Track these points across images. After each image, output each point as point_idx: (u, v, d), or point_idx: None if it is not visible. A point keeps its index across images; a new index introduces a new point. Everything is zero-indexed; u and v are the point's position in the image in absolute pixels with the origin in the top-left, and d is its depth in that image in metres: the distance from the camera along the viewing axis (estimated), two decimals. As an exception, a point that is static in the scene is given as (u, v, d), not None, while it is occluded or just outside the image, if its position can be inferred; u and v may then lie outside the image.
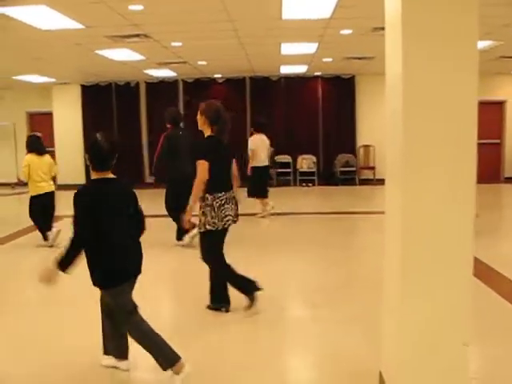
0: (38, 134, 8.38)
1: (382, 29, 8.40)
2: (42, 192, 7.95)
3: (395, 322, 3.12)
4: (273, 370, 4.00)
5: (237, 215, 5.06)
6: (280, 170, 15.60)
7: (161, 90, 15.74)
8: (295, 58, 11.88)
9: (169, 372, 3.58)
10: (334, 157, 15.62)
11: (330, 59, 12.47)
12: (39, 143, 8.09)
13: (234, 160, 5.26)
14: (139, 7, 6.97)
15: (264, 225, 9.91)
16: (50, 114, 16.53)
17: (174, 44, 9.82)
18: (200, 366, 4.00)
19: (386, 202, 3.36)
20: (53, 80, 15.22)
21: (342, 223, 9.80)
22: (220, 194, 4.86)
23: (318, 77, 15.63)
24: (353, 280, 6.23)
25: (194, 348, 4.32)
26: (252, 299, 5.00)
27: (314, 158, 15.59)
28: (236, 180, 5.27)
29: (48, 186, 8.07)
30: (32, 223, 8.26)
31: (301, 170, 15.49)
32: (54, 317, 5.14)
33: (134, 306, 3.67)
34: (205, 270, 5.12)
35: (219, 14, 7.46)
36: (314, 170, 15.47)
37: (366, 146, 15.65)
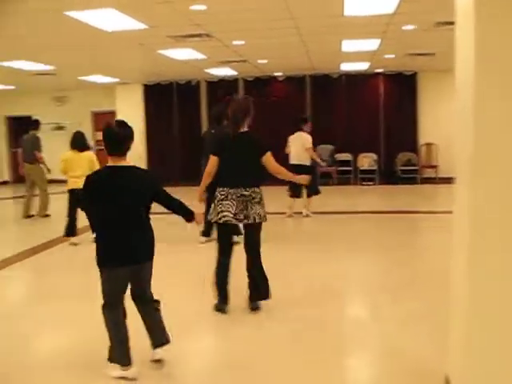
0: (82, 131, 8.48)
1: (446, 23, 8.28)
2: (75, 187, 7.71)
3: (463, 325, 3.03)
4: (332, 368, 3.97)
5: (246, 215, 4.83)
6: (340, 169, 15.47)
7: (221, 88, 15.86)
8: (356, 54, 11.76)
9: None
10: (395, 155, 15.37)
11: (393, 56, 12.28)
12: (79, 140, 8.14)
13: (264, 155, 4.87)
14: (202, 7, 7.04)
15: (317, 223, 9.83)
16: (113, 113, 16.93)
17: (235, 43, 9.88)
18: (261, 363, 4.02)
19: (454, 201, 3.28)
20: (116, 80, 15.60)
21: (404, 223, 9.63)
22: (221, 189, 4.87)
23: (379, 74, 15.41)
24: (415, 279, 6.11)
25: (253, 345, 4.34)
26: (217, 308, 5.05)
27: (375, 156, 15.39)
28: (281, 175, 5.05)
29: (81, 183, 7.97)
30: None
31: (361, 168, 15.31)
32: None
33: (117, 301, 3.73)
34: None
35: (281, 12, 7.47)
36: (374, 168, 15.27)
37: (429, 144, 15.34)
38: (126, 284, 3.80)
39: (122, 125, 3.82)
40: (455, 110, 3.17)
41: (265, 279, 5.09)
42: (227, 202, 4.83)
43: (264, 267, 5.09)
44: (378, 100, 15.61)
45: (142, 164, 16.52)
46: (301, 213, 10.14)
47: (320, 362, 4.04)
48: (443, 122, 14.25)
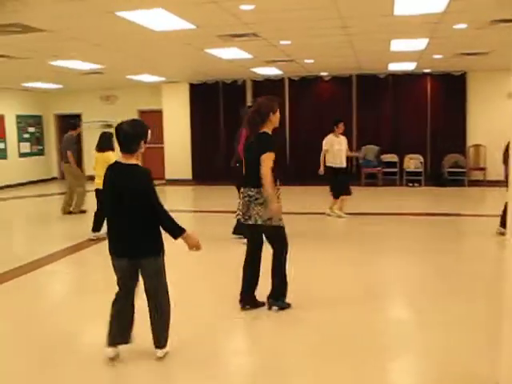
0: (108, 131, 8.62)
1: (503, 21, 8.05)
2: (98, 187, 8.05)
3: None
4: (375, 372, 3.92)
5: (249, 216, 4.88)
6: (386, 170, 15.28)
7: (267, 87, 15.84)
8: (404, 54, 11.58)
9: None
10: (442, 157, 15.09)
11: (441, 56, 12.05)
12: (100, 141, 8.40)
13: (263, 155, 4.76)
14: (250, 7, 7.04)
15: (360, 224, 9.72)
16: (159, 112, 17.14)
17: (282, 42, 9.85)
18: (305, 363, 4.00)
19: (509, 205, 3.18)
20: (162, 79, 15.78)
21: (450, 226, 9.46)
22: (241, 190, 5.06)
23: (427, 74, 15.15)
24: (460, 285, 5.99)
25: (303, 345, 4.32)
26: (242, 300, 5.14)
27: (421, 158, 15.13)
28: (264, 181, 4.83)
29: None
30: None
31: (407, 169, 15.08)
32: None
33: (126, 291, 4.01)
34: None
35: (330, 12, 7.41)
36: (420, 170, 15.02)
37: (477, 146, 15.01)
38: (130, 275, 3.97)
39: (133, 124, 3.95)
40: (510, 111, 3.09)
41: (281, 282, 5.09)
42: (240, 202, 5.01)
43: (284, 271, 5.09)
44: (425, 101, 15.35)
45: (188, 163, 16.76)
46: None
47: (363, 364, 4.00)
48: (492, 123, 13.92)
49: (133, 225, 3.86)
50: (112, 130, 5.08)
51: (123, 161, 3.91)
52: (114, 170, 3.98)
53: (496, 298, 3.11)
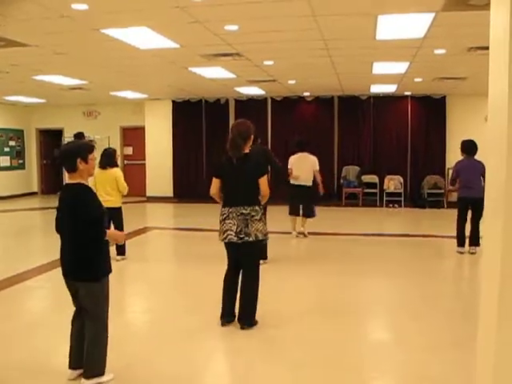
0: (111, 148, 8.42)
1: (480, 48, 8.24)
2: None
3: (491, 360, 2.98)
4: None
5: (247, 233, 4.95)
6: (366, 191, 15.40)
7: (249, 107, 15.97)
8: (386, 77, 11.76)
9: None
10: (421, 178, 15.28)
11: (421, 79, 12.26)
12: (103, 158, 7.98)
13: (260, 179, 5.04)
14: (234, 27, 7.14)
15: (337, 244, 9.79)
16: (142, 129, 17.15)
17: (265, 63, 9.96)
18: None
19: (484, 234, 3.23)
20: (145, 96, 15.81)
21: (428, 247, 9.54)
22: (223, 209, 5.09)
23: (407, 96, 15.39)
24: (440, 306, 6.05)
25: (267, 367, 4.33)
26: (223, 323, 5.16)
27: (401, 179, 15.30)
28: (265, 198, 5.14)
29: (107, 202, 7.15)
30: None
31: (387, 190, 15.23)
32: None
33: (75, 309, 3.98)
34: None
35: (313, 34, 7.53)
36: (400, 190, 15.17)
37: (456, 168, 15.20)
38: (73, 294, 3.92)
39: (72, 142, 4.09)
40: (488, 136, 3.16)
41: (254, 301, 5.14)
42: (229, 221, 5.02)
43: (258, 291, 5.16)
44: (405, 122, 15.57)
45: (169, 180, 16.75)
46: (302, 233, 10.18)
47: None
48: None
49: (68, 243, 3.84)
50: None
51: (68, 181, 3.87)
52: (61, 190, 4.00)
53: (475, 317, 3.15)
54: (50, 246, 9.48)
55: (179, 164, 16.84)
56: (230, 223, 5.01)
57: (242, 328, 5.11)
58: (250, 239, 4.97)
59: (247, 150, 5.12)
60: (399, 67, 10.44)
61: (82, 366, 3.90)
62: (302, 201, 9.99)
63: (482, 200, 9.01)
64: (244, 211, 4.98)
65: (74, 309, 4.00)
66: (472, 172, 8.41)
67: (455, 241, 8.73)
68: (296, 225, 10.14)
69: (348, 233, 10.69)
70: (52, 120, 18.15)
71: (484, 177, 8.37)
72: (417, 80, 12.36)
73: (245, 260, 5.15)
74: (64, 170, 3.93)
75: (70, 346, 3.98)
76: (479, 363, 3.31)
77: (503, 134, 2.83)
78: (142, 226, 11.58)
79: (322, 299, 6.29)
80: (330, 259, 8.56)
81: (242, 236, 4.97)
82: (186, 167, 16.72)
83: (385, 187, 15.25)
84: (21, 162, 18.27)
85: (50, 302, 6.49)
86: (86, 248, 3.76)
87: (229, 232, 5.01)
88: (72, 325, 3.99)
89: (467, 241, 8.55)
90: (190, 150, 16.68)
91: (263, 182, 5.05)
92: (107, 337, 3.91)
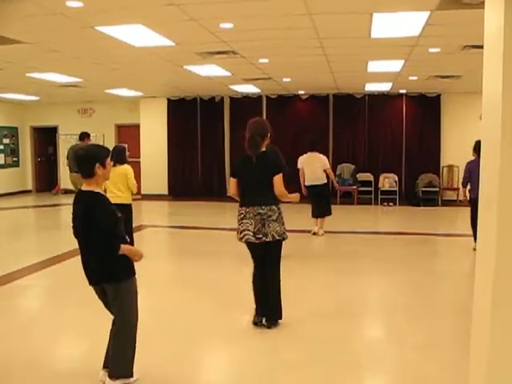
0: (118, 144, 8.41)
1: (474, 47, 8.27)
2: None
3: (484, 360, 2.99)
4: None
5: (264, 233, 4.91)
6: (361, 189, 15.43)
7: (244, 105, 15.97)
8: (381, 75, 11.78)
9: None
10: (416, 176, 15.30)
11: (416, 77, 12.28)
12: (114, 154, 7.73)
13: (275, 176, 4.96)
14: (230, 25, 7.13)
15: (334, 243, 9.81)
16: (137, 126, 17.12)
17: (260, 61, 9.96)
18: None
19: (478, 230, 3.25)
20: (140, 94, 15.78)
21: (423, 245, 9.57)
22: (241, 209, 5.05)
23: (402, 95, 15.41)
24: (436, 305, 6.07)
25: (267, 364, 4.34)
26: (256, 321, 5.16)
27: (396, 177, 15.33)
28: (282, 198, 5.09)
29: (118, 198, 7.37)
30: None
31: (382, 188, 15.25)
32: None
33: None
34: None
35: (308, 32, 7.52)
36: (395, 189, 15.20)
37: (450, 166, 15.26)
38: (102, 300, 3.87)
39: (89, 147, 4.00)
40: (482, 134, 3.18)
41: (277, 299, 5.16)
42: (246, 221, 4.97)
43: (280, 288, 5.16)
44: (400, 121, 15.58)
45: (164, 178, 16.73)
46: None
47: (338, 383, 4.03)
48: (466, 144, 14.07)
49: (86, 250, 3.77)
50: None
51: (83, 187, 3.78)
52: (75, 196, 3.86)
53: (471, 316, 3.16)
54: (44, 244, 9.52)
55: (174, 162, 16.81)
56: (247, 223, 4.97)
57: (269, 327, 5.11)
58: (268, 239, 4.94)
59: (264, 148, 5.08)
60: (394, 65, 10.46)
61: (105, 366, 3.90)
62: (319, 200, 10.05)
63: None
64: (261, 211, 4.93)
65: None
66: (477, 172, 8.32)
67: (450, 239, 8.78)
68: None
69: (342, 231, 10.70)
70: (46, 117, 18.10)
71: None
72: (411, 78, 12.38)
73: (266, 259, 5.13)
74: (80, 174, 3.80)
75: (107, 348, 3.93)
76: (472, 361, 3.33)
77: (497, 131, 2.85)
78: (138, 224, 11.55)
79: (316, 297, 6.30)
80: (323, 257, 8.58)
81: (259, 236, 4.93)
82: (180, 165, 16.70)
83: (380, 185, 15.27)
84: (15, 159, 18.21)
85: (44, 300, 6.49)
86: (103, 254, 3.68)
87: (246, 232, 4.98)
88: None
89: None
90: (185, 147, 16.66)
91: (277, 180, 4.95)
92: (135, 338, 3.85)
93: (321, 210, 10.12)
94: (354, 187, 15.31)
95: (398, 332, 5.21)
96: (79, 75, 11.70)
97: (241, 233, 5.02)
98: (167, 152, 16.86)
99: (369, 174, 15.46)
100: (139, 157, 17.10)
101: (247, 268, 5.31)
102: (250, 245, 5.07)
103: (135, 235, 10.22)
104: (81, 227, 3.68)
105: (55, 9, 6.22)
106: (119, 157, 7.99)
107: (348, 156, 15.71)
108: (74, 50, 8.77)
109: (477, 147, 8.65)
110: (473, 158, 8.54)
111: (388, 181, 15.27)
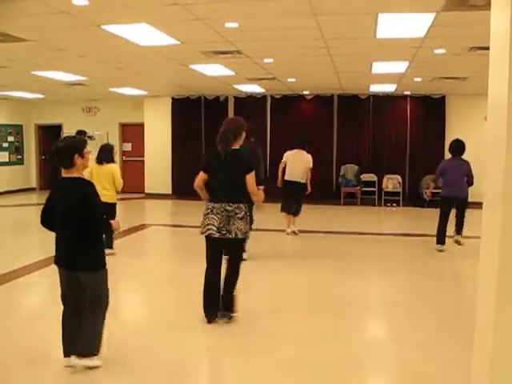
0: (106, 144, 8.51)
1: (480, 48, 8.24)
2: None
3: (487, 360, 2.98)
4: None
5: (228, 230, 4.99)
6: (365, 189, 15.41)
7: (249, 104, 15.96)
8: (385, 76, 11.76)
9: None
10: (420, 177, 15.26)
11: (421, 79, 12.25)
12: (99, 153, 8.05)
13: (248, 174, 5.08)
14: (235, 25, 7.13)
15: (334, 242, 9.80)
16: (141, 125, 17.13)
17: (265, 60, 9.96)
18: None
19: (482, 230, 3.24)
20: (145, 93, 15.79)
21: (425, 246, 9.54)
22: (208, 204, 5.12)
23: (407, 96, 15.38)
24: (438, 305, 6.06)
25: (270, 364, 4.34)
26: (208, 317, 5.17)
27: (400, 178, 15.30)
28: (254, 196, 5.25)
29: (104, 197, 7.43)
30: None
31: (386, 189, 15.23)
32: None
33: (62, 293, 4.11)
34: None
35: (313, 32, 7.52)
36: (399, 190, 15.18)
37: (455, 168, 15.21)
38: (66, 284, 4.06)
39: (67, 138, 4.12)
40: (487, 134, 3.16)
41: (232, 294, 5.24)
42: (212, 216, 5.05)
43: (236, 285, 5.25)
44: (404, 122, 15.56)
45: (168, 177, 16.72)
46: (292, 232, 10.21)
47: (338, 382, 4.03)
48: (470, 145, 14.07)
49: (70, 235, 3.98)
50: (93, 142, 5.15)
51: (67, 174, 4.01)
52: (58, 184, 4.14)
53: (472, 315, 3.15)
54: (48, 242, 9.52)
55: (178, 161, 16.81)
56: (212, 218, 5.05)
57: (225, 320, 5.19)
58: (230, 236, 5.01)
59: (237, 147, 5.18)
60: (399, 66, 10.44)
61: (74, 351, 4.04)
62: (294, 197, 10.01)
63: (465, 199, 9.10)
64: (228, 208, 5.02)
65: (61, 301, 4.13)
66: (457, 172, 8.51)
67: (448, 240, 8.77)
68: (290, 222, 10.15)
69: (346, 231, 10.70)
70: (51, 116, 18.11)
71: (469, 176, 8.45)
72: (416, 80, 12.36)
73: (230, 255, 5.25)
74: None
75: (64, 336, 4.11)
76: (475, 359, 3.32)
77: (503, 133, 2.84)
78: (141, 223, 11.58)
79: (319, 297, 6.31)
80: (327, 257, 8.57)
81: (223, 232, 5.01)
82: (184, 164, 16.68)
83: (383, 186, 15.25)
84: (19, 157, 18.25)
85: (49, 297, 6.49)
86: (91, 239, 3.95)
87: (210, 226, 5.05)
88: (66, 317, 4.11)
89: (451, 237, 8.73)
90: (189, 146, 16.66)
91: (250, 178, 5.04)
92: (104, 323, 4.10)
93: (297, 208, 10.10)
94: (358, 188, 15.30)
95: (398, 330, 5.22)
96: (84, 73, 11.71)
97: (204, 227, 5.08)
98: (171, 151, 16.86)
99: (372, 175, 15.44)
100: (143, 155, 17.11)
101: (244, 266, 5.35)
102: (210, 240, 5.12)
103: (138, 234, 10.29)
104: (72, 209, 3.90)
105: (61, 7, 6.22)
106: (106, 155, 8.06)
107: (352, 157, 15.69)
108: (79, 48, 8.78)
109: (450, 147, 8.75)
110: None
111: (392, 182, 15.24)
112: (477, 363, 3.30)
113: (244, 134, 5.26)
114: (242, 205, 5.04)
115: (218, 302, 5.21)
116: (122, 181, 8.04)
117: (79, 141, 4.10)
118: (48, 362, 4.30)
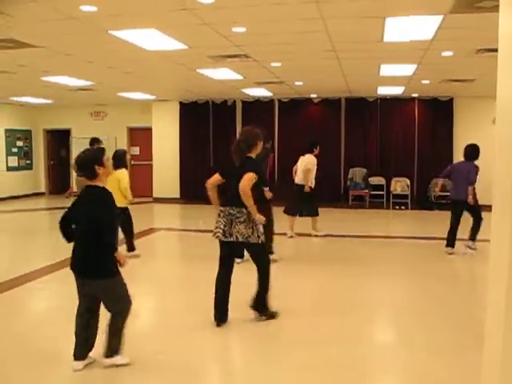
0: (118, 150, 8.57)
1: (488, 50, 8.22)
2: None
3: (497, 367, 2.97)
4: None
5: (230, 233, 5.11)
6: (373, 192, 15.38)
7: (256, 108, 15.99)
8: (393, 79, 11.74)
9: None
10: (428, 180, 15.21)
11: (428, 81, 12.23)
12: (114, 160, 7.95)
13: (245, 173, 5.13)
14: (242, 29, 7.15)
15: (344, 246, 9.78)
16: (149, 130, 17.18)
17: (273, 64, 9.97)
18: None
19: (492, 233, 3.23)
20: (153, 97, 15.84)
21: (435, 249, 9.51)
22: (220, 208, 5.25)
23: (414, 98, 15.35)
24: (447, 309, 6.04)
25: (275, 368, 4.34)
26: (216, 321, 5.23)
27: (408, 181, 15.27)
28: (243, 196, 5.16)
29: None
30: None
31: (394, 192, 15.20)
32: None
33: (79, 298, 4.18)
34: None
35: (320, 36, 7.53)
36: (407, 193, 15.15)
37: (463, 171, 15.15)
38: (81, 289, 4.14)
39: (84, 151, 4.25)
40: (496, 137, 3.15)
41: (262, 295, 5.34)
42: (219, 220, 5.21)
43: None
44: (412, 124, 15.53)
45: (176, 181, 16.75)
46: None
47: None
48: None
49: (87, 241, 4.04)
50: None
51: (87, 182, 4.14)
52: (82, 191, 4.23)
53: (480, 319, 3.14)
54: (57, 247, 9.54)
55: (186, 165, 16.85)
56: (219, 221, 5.20)
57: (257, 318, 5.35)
58: (231, 239, 5.13)
59: (253, 155, 5.29)
60: (407, 69, 10.43)
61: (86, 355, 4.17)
62: (298, 199, 10.05)
63: (464, 203, 9.07)
64: (232, 211, 5.15)
65: (79, 304, 4.20)
66: (459, 174, 8.53)
67: (463, 243, 8.75)
68: (293, 225, 10.17)
69: (354, 234, 10.68)
70: (59, 120, 18.22)
71: (468, 177, 8.41)
72: (424, 82, 12.33)
73: (254, 258, 5.32)
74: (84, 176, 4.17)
75: (80, 339, 4.18)
76: (485, 365, 3.30)
77: (510, 135, 2.83)
78: (149, 227, 11.60)
79: (326, 300, 6.30)
80: (336, 260, 8.56)
81: (227, 235, 5.14)
82: (192, 168, 16.73)
83: (392, 189, 15.22)
84: (28, 162, 18.35)
85: (58, 303, 6.51)
86: (103, 247, 4.01)
87: (218, 229, 5.19)
88: (79, 318, 4.18)
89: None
90: (197, 151, 16.70)
91: (245, 177, 5.06)
92: (122, 329, 4.18)
93: (308, 209, 10.14)
94: (366, 191, 15.28)
95: (406, 334, 5.20)
96: (92, 79, 11.78)
97: (214, 230, 5.23)
98: (179, 155, 16.91)
99: (381, 178, 15.42)
100: (151, 160, 17.16)
101: (253, 270, 5.36)
102: (219, 243, 5.28)
103: (146, 238, 10.31)
104: (89, 217, 4.01)
105: (69, 13, 6.27)
106: (119, 161, 8.07)
107: (360, 160, 15.68)
108: (87, 53, 8.83)
109: (464, 151, 8.77)
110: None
111: (400, 185, 15.21)
112: (487, 367, 3.29)
113: (260, 144, 5.36)
114: (244, 209, 5.10)
115: (227, 305, 5.26)
116: (127, 187, 7.99)
117: (97, 151, 4.25)
118: (58, 364, 4.32)
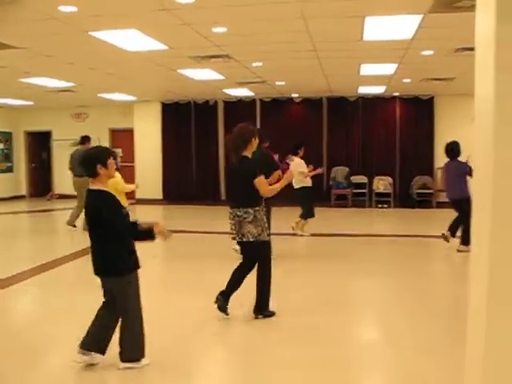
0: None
1: (466, 49, 8.30)
2: None
3: (479, 364, 2.99)
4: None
5: (242, 234, 5.20)
6: (356, 191, 15.45)
7: (238, 108, 15.98)
8: (374, 78, 11.82)
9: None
10: (410, 178, 15.33)
11: (409, 80, 12.32)
12: None
13: (254, 180, 5.17)
14: (223, 29, 7.15)
15: (328, 245, 9.82)
16: (131, 131, 17.10)
17: (254, 64, 9.98)
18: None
19: (472, 232, 3.25)
20: (134, 98, 15.77)
21: (418, 247, 9.59)
22: (229, 210, 5.37)
23: (395, 97, 15.45)
24: (432, 306, 6.08)
25: (261, 367, 4.35)
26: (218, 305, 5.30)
27: (391, 180, 15.36)
28: (273, 192, 5.41)
29: None
30: None
31: (377, 190, 15.28)
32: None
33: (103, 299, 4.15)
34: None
35: (301, 35, 7.56)
36: (389, 191, 15.24)
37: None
38: (102, 286, 4.12)
39: (90, 149, 4.29)
40: (475, 136, 3.18)
41: (261, 294, 5.38)
42: (231, 222, 5.34)
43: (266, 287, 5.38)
44: (394, 123, 15.64)
45: (159, 182, 16.69)
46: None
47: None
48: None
49: (97, 241, 4.05)
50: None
51: (90, 186, 4.07)
52: (86, 194, 4.15)
53: (467, 317, 3.17)
54: (38, 250, 9.48)
55: (168, 166, 16.80)
56: (231, 223, 5.34)
57: (256, 317, 5.36)
58: (244, 239, 5.23)
59: (248, 154, 5.28)
60: (388, 68, 10.50)
61: (90, 350, 4.08)
62: (304, 202, 10.11)
63: (458, 200, 9.11)
64: (238, 213, 5.22)
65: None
66: (449, 174, 8.60)
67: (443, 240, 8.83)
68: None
69: (338, 233, 10.71)
70: (40, 122, 18.04)
71: (463, 173, 8.44)
72: (405, 81, 12.43)
73: (258, 256, 5.39)
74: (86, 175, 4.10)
75: (88, 329, 4.13)
76: (468, 363, 3.33)
77: (489, 133, 2.85)
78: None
79: (312, 298, 6.29)
80: (319, 259, 8.58)
81: (240, 236, 5.25)
82: (175, 169, 16.69)
83: (374, 187, 15.31)
84: (9, 164, 18.16)
85: (38, 308, 6.46)
86: (108, 247, 3.99)
87: (234, 231, 5.33)
88: (98, 312, 4.16)
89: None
90: (180, 151, 16.65)
91: (258, 183, 5.18)
92: (141, 326, 4.12)
93: (305, 211, 10.18)
94: (348, 190, 15.34)
95: (393, 332, 5.20)
96: (73, 80, 11.70)
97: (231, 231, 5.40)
98: (161, 156, 16.85)
99: (363, 177, 15.49)
100: (133, 161, 17.08)
101: (253, 270, 5.41)
102: (237, 243, 5.46)
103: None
104: (91, 220, 4.03)
105: (49, 14, 6.22)
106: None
107: (342, 159, 15.73)
108: (67, 54, 8.77)
109: (445, 150, 8.82)
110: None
111: (382, 183, 15.29)
112: (469, 364, 3.31)
113: (254, 141, 5.31)
114: (250, 209, 5.17)
115: (229, 294, 5.31)
116: (125, 185, 8.04)
117: (102, 151, 4.12)
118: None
